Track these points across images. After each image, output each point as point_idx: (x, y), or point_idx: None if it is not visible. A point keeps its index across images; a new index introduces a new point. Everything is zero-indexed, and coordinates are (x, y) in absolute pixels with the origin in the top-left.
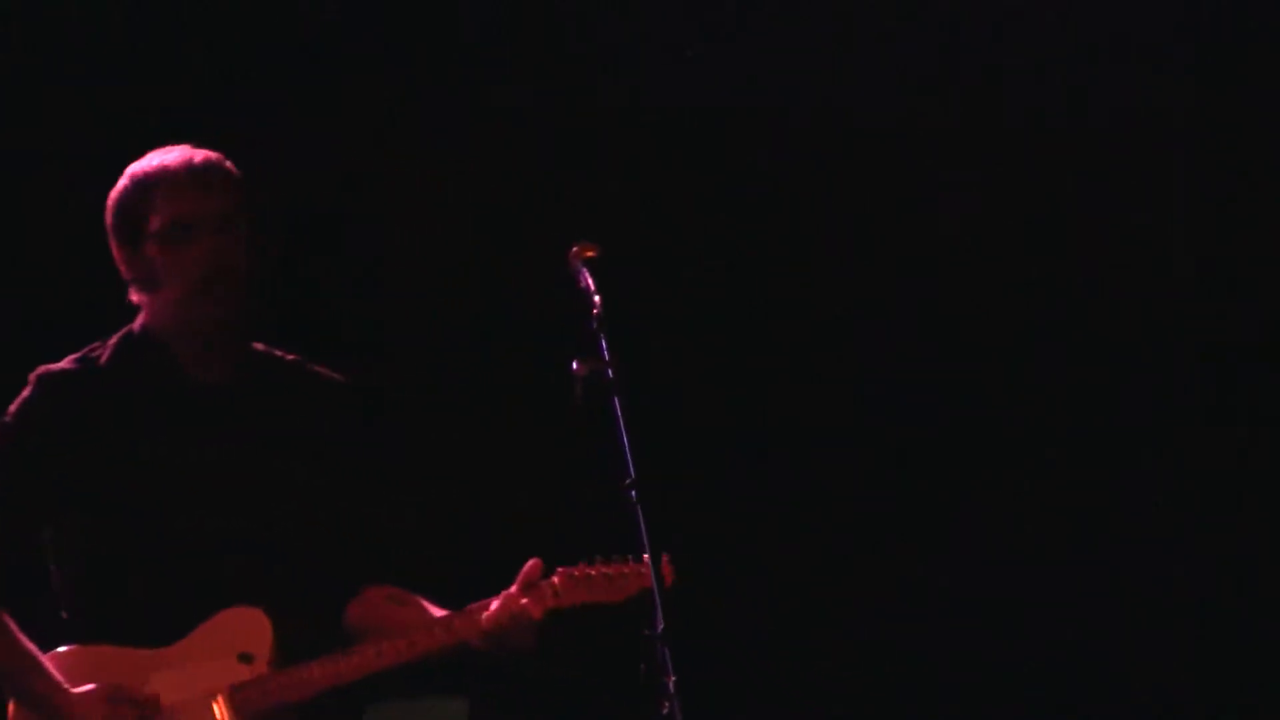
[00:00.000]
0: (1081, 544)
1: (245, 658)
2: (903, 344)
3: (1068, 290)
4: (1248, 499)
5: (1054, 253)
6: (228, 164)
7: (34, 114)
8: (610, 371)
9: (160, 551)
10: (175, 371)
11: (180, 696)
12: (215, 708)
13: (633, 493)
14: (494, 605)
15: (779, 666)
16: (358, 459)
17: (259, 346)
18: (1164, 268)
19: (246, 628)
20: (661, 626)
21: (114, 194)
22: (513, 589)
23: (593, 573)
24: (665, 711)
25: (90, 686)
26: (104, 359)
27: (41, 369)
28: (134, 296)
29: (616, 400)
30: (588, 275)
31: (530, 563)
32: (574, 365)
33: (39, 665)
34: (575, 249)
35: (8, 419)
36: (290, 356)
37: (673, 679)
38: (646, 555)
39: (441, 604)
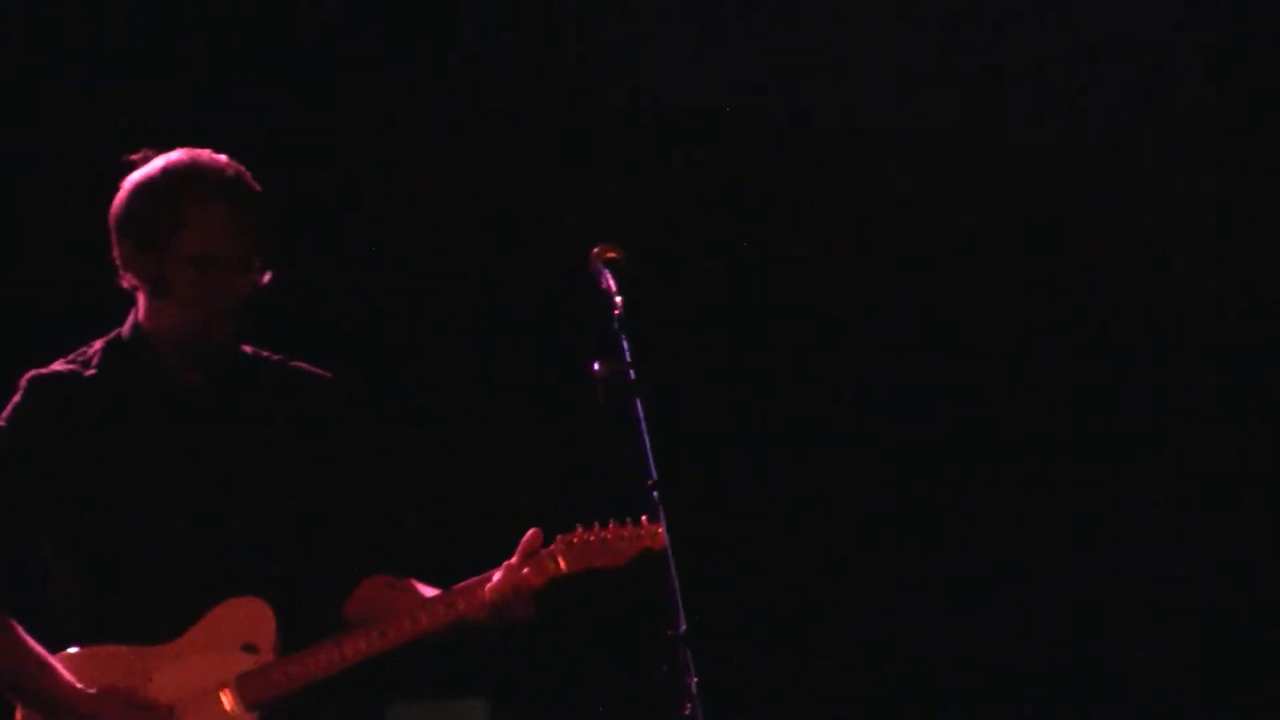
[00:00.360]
0: (1081, 544)
1: (249, 648)
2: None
3: (1068, 290)
4: (1248, 499)
5: (1054, 253)
6: (258, 190)
7: (34, 114)
8: (631, 372)
9: (157, 550)
10: (167, 372)
11: (188, 690)
12: (223, 699)
13: (654, 493)
14: (495, 576)
15: (799, 666)
16: (348, 452)
17: (246, 348)
18: (1164, 268)
19: (249, 618)
20: (684, 627)
21: (136, 194)
22: (513, 559)
23: (591, 539)
24: (687, 712)
25: (104, 687)
26: (95, 361)
27: (32, 372)
28: (133, 293)
29: (637, 401)
30: (609, 276)
31: (530, 532)
32: (595, 366)
33: (49, 668)
34: (596, 250)
35: (0, 424)
36: (275, 356)
37: (694, 679)
38: (645, 517)
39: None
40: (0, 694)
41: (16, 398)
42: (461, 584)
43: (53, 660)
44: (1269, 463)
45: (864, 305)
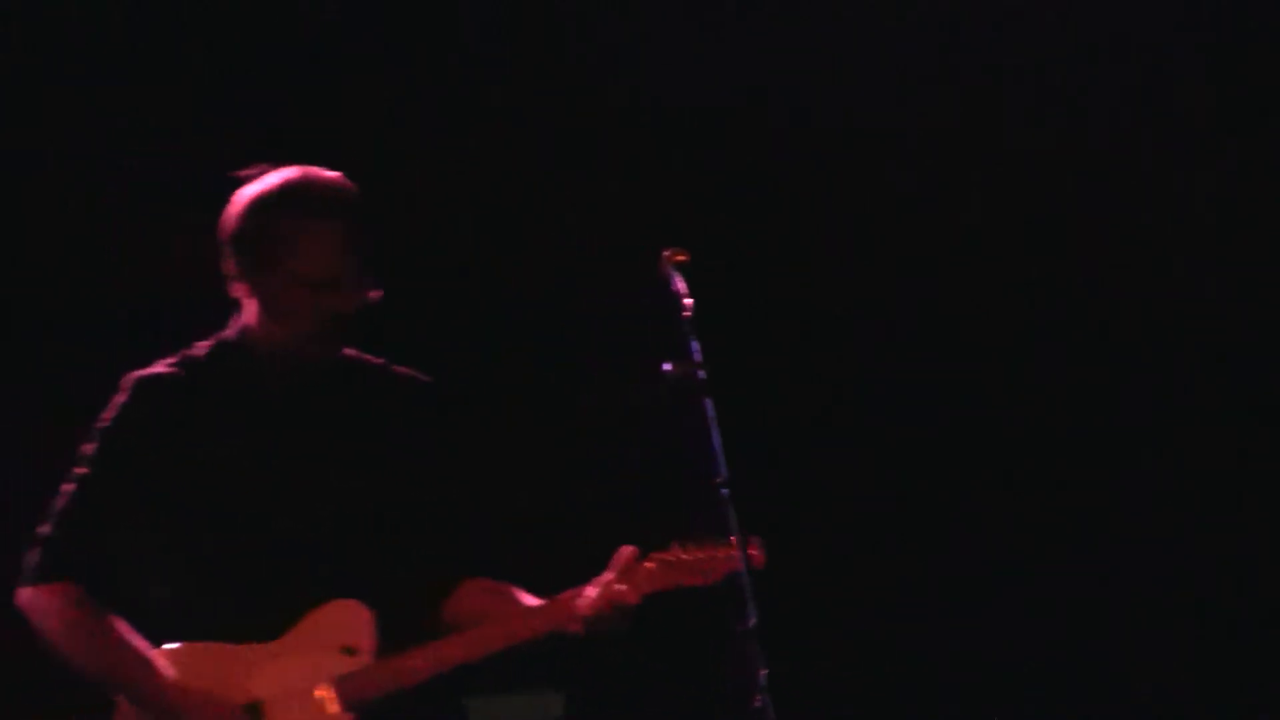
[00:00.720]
0: (1081, 544)
1: (348, 650)
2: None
3: (1068, 290)
4: (1248, 499)
5: (1054, 253)
6: (369, 208)
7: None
8: (701, 372)
9: (260, 550)
10: (272, 377)
11: (287, 689)
12: (322, 699)
13: (724, 490)
14: (591, 592)
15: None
16: (447, 456)
17: (349, 352)
18: (1164, 268)
19: (348, 621)
20: (753, 620)
21: (250, 211)
22: (609, 575)
23: (685, 557)
24: (757, 704)
25: (203, 688)
26: (200, 363)
27: (135, 373)
28: (239, 297)
29: (707, 401)
30: (679, 279)
31: (624, 550)
32: (666, 366)
33: (150, 665)
34: (667, 253)
35: (107, 424)
36: (377, 360)
37: (764, 672)
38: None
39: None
40: (103, 688)
41: (122, 398)
42: (561, 595)
43: (154, 655)
44: (1269, 463)
45: (870, 304)
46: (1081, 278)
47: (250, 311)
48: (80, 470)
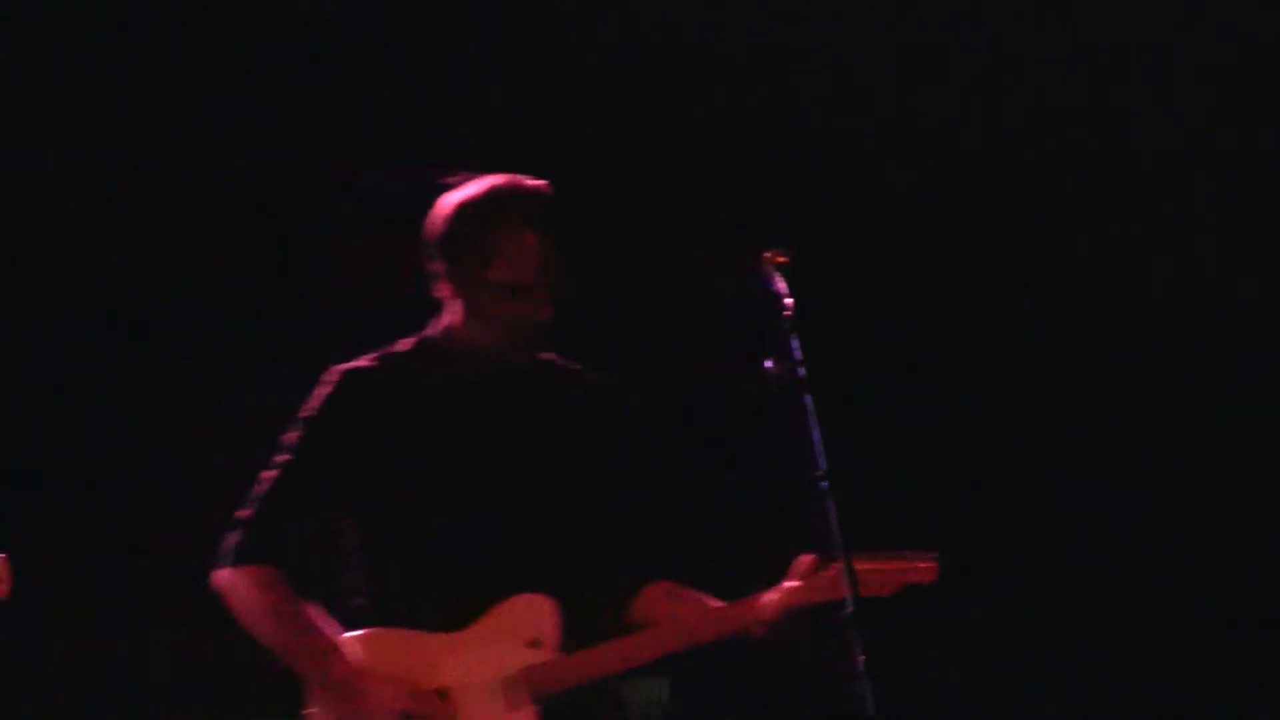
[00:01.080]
0: (1081, 544)
1: (534, 643)
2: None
3: (1068, 290)
4: (1248, 499)
5: (1054, 253)
6: (567, 215)
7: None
8: (801, 369)
9: (454, 541)
10: (473, 375)
11: (472, 679)
12: (507, 690)
13: (823, 484)
14: (774, 598)
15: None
16: (639, 459)
17: (548, 356)
18: (1164, 268)
19: (534, 614)
20: (852, 608)
21: (456, 217)
22: (794, 583)
23: (867, 567)
24: (855, 690)
25: (390, 673)
26: (403, 358)
27: (338, 367)
28: (442, 298)
29: (808, 397)
30: (780, 279)
31: (805, 558)
32: (768, 364)
33: (336, 651)
34: (768, 254)
35: (311, 414)
36: (575, 365)
37: (862, 658)
38: (914, 552)
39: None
40: (290, 669)
41: (325, 389)
42: (744, 600)
43: (342, 640)
44: (1269, 463)
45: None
46: (1081, 278)
47: (454, 312)
48: (282, 457)
